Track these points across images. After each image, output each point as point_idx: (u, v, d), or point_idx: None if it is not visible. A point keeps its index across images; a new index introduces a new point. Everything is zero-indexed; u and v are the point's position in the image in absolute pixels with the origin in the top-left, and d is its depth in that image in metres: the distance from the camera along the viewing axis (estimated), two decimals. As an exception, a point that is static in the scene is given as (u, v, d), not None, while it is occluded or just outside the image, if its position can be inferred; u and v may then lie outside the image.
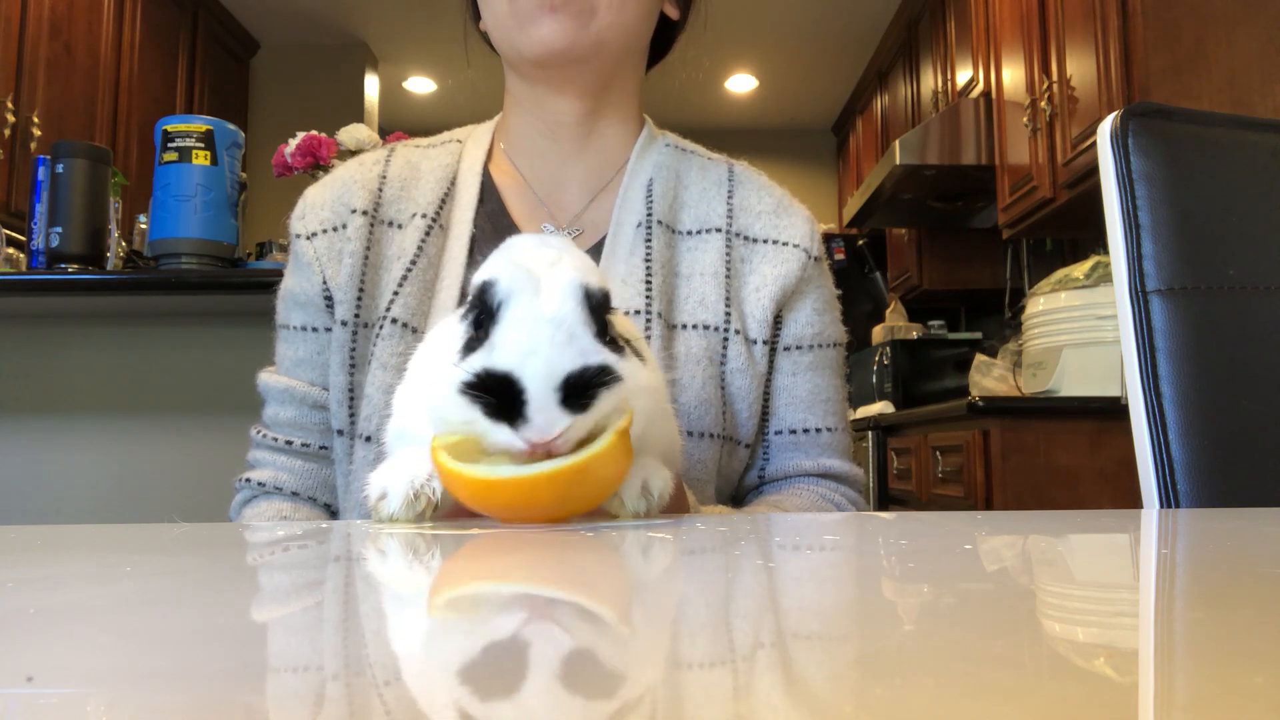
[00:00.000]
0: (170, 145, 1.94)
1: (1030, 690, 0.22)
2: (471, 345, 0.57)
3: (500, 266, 0.58)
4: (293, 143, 2.29)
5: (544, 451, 0.54)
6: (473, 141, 1.05)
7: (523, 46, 0.92)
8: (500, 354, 0.55)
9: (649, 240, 0.96)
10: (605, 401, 0.56)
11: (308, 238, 0.97)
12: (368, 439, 0.90)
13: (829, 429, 1.00)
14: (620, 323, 0.62)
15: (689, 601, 0.36)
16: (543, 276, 0.57)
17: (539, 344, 0.55)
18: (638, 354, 0.61)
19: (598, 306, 0.58)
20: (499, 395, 0.54)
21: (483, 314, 0.57)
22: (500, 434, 0.55)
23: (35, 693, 0.22)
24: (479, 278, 0.59)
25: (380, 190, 0.98)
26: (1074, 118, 2.97)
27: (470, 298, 0.59)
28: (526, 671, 0.24)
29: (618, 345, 0.58)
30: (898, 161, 3.84)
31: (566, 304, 0.56)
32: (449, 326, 0.62)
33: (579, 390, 0.54)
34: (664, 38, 1.07)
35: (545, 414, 0.54)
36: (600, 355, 0.56)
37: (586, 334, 0.56)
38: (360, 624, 0.32)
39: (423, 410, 0.62)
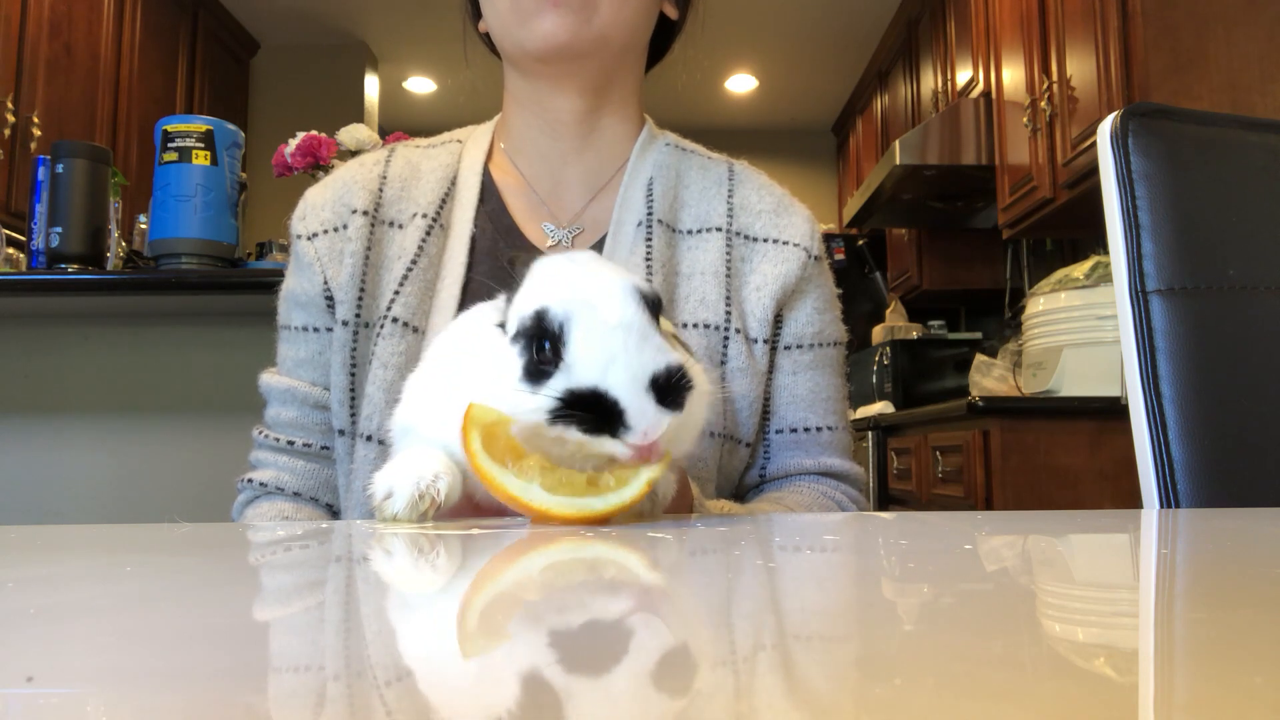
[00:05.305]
0: (170, 145, 1.94)
1: (1030, 690, 0.22)
2: (534, 371, 0.55)
3: (547, 293, 0.57)
4: (293, 143, 2.29)
5: (645, 454, 0.54)
6: (473, 141, 1.05)
7: (525, 41, 0.92)
8: (580, 371, 0.54)
9: (649, 239, 0.96)
10: (693, 403, 0.55)
11: (309, 238, 0.97)
12: (369, 438, 0.90)
13: (829, 428, 1.00)
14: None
15: (690, 602, 0.36)
16: (591, 291, 0.56)
17: (616, 351, 0.54)
18: (685, 349, 0.61)
19: (653, 306, 0.58)
20: (594, 411, 0.53)
21: (542, 340, 0.56)
22: (603, 445, 0.54)
23: (35, 693, 0.22)
24: (527, 309, 0.57)
25: (381, 190, 0.98)
26: (1074, 118, 2.97)
27: (521, 329, 0.57)
28: (527, 672, 0.24)
29: (674, 343, 0.58)
30: (898, 161, 3.84)
31: (629, 308, 0.56)
32: (483, 341, 0.61)
33: (668, 389, 0.54)
34: (663, 39, 1.07)
35: (644, 418, 0.53)
36: (675, 354, 0.56)
37: (656, 334, 0.56)
38: (361, 624, 0.32)
39: (446, 418, 0.61)
